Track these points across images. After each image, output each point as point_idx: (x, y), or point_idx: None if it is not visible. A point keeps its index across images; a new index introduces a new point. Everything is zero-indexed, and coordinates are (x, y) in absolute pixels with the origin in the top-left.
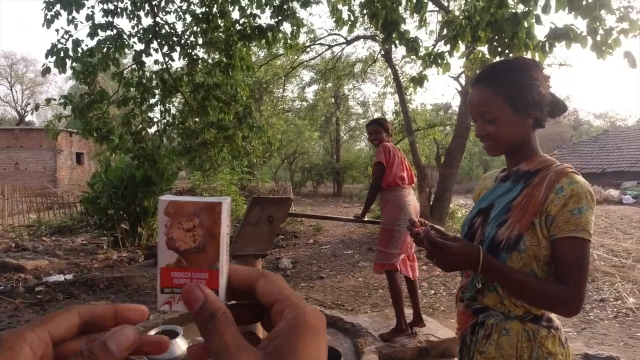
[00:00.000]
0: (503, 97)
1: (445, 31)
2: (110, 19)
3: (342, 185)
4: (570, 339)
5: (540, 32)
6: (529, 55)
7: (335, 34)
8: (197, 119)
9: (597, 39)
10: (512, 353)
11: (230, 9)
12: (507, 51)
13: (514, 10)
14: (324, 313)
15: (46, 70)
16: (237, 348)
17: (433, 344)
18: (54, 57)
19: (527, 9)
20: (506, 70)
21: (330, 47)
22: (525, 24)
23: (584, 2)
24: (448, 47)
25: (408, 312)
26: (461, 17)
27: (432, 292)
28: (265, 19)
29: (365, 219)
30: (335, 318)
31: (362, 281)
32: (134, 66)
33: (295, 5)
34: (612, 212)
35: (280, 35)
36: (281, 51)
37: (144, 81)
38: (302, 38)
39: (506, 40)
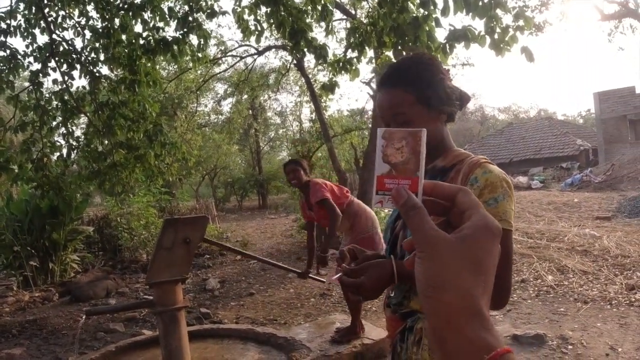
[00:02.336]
0: (415, 96)
1: (352, 38)
2: (2, 38)
3: (267, 197)
4: (497, 322)
5: (441, 35)
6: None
7: (246, 45)
8: (104, 140)
9: (495, 37)
10: None
11: (132, 22)
12: (411, 54)
13: (414, 15)
14: (256, 331)
15: None
16: (430, 227)
17: (368, 347)
18: None
19: (426, 12)
20: (413, 68)
21: (241, 58)
22: (427, 27)
23: (480, 3)
24: (356, 53)
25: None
26: (366, 24)
27: None
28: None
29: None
30: (268, 334)
31: (293, 292)
32: (30, 88)
33: (201, 16)
34: (523, 198)
35: (187, 48)
36: (191, 65)
37: (43, 103)
38: (212, 50)
39: (409, 43)
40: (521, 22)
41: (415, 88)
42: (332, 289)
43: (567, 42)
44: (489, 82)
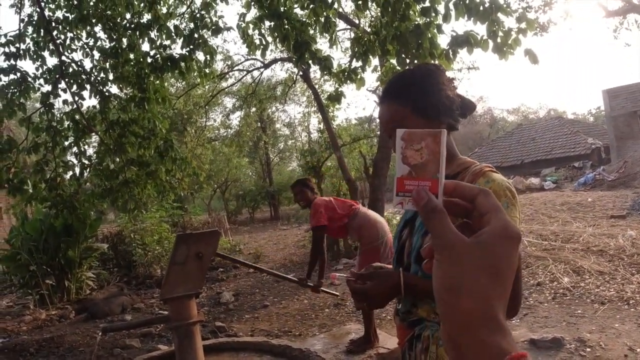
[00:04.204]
0: (412, 109)
1: (356, 48)
2: (12, 62)
3: (278, 208)
4: (514, 326)
5: (444, 41)
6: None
7: (252, 59)
8: (116, 158)
9: (497, 41)
10: None
11: (140, 41)
12: (415, 61)
13: (417, 22)
14: (271, 343)
15: None
16: (449, 230)
17: (383, 356)
18: None
19: (428, 20)
20: (410, 80)
21: (248, 72)
22: (429, 35)
23: (481, 8)
24: (360, 62)
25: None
26: (369, 33)
27: None
28: (177, 49)
29: (310, 284)
30: (284, 346)
31: (307, 303)
32: (42, 109)
33: (207, 33)
34: (536, 199)
35: (194, 64)
36: (198, 80)
37: (54, 124)
38: (220, 65)
39: (412, 51)
40: (524, 25)
41: (411, 100)
42: (346, 299)
43: (573, 40)
44: (496, 84)
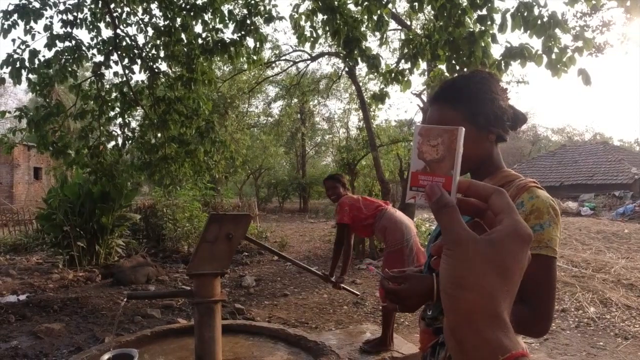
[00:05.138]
0: (463, 114)
1: (405, 49)
2: (69, 29)
3: (308, 201)
4: (533, 350)
5: (497, 51)
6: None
7: (300, 50)
8: (158, 134)
9: (552, 57)
10: None
11: (193, 22)
12: (465, 69)
13: (471, 30)
14: (287, 332)
15: (1, 81)
16: (460, 226)
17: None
18: (9, 68)
19: (483, 28)
20: (464, 86)
21: (294, 63)
22: (482, 43)
23: (539, 22)
24: (409, 64)
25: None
26: (421, 36)
27: None
28: (228, 33)
29: (332, 280)
30: (299, 337)
31: (326, 298)
32: (92, 78)
33: (259, 20)
34: (571, 224)
35: (243, 50)
36: (245, 66)
37: (103, 94)
38: (267, 54)
39: (464, 58)
40: (580, 43)
41: (464, 106)
42: (366, 298)
43: (627, 65)
44: (544, 101)
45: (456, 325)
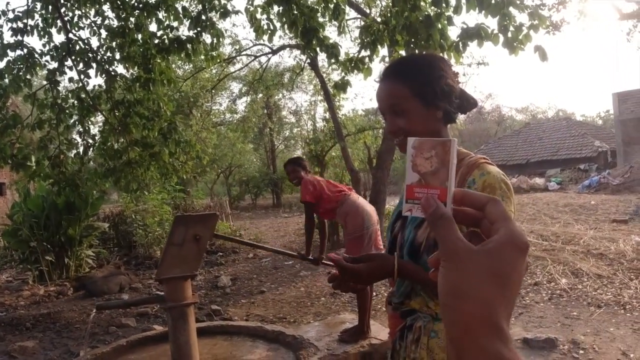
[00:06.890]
0: (410, 89)
1: (364, 37)
2: (19, 37)
3: (281, 196)
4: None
5: (454, 33)
6: (444, 56)
7: (260, 44)
8: (120, 138)
9: (508, 35)
10: (444, 356)
11: (147, 21)
12: (424, 53)
13: (427, 13)
14: (265, 329)
15: None
16: (456, 238)
17: (375, 347)
18: None
19: (439, 11)
20: (413, 63)
21: (256, 57)
22: (439, 26)
23: (493, 1)
24: (368, 52)
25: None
26: (379, 22)
27: (374, 293)
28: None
29: (310, 258)
30: (277, 332)
31: (303, 291)
32: (47, 86)
33: (215, 15)
34: (539, 199)
35: (201, 46)
36: (205, 64)
37: (60, 101)
38: (227, 49)
39: (422, 42)
40: (535, 21)
41: (412, 81)
42: None
43: (585, 41)
44: (506, 82)
45: (456, 337)
